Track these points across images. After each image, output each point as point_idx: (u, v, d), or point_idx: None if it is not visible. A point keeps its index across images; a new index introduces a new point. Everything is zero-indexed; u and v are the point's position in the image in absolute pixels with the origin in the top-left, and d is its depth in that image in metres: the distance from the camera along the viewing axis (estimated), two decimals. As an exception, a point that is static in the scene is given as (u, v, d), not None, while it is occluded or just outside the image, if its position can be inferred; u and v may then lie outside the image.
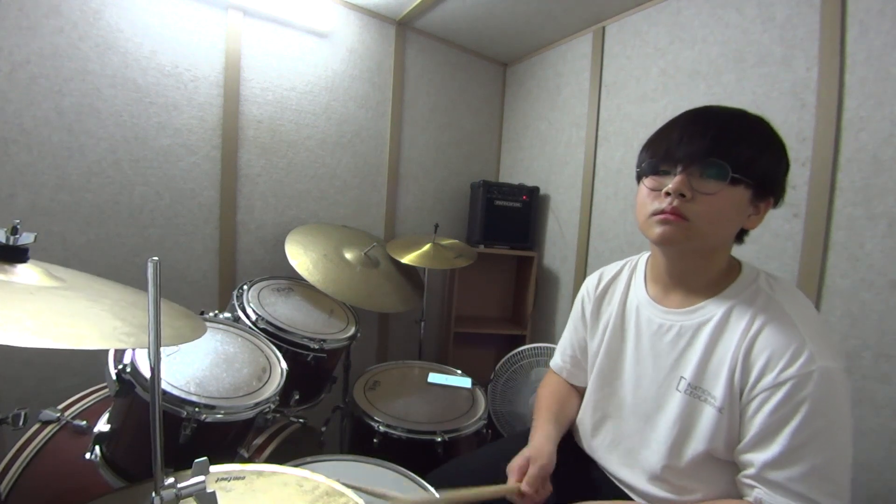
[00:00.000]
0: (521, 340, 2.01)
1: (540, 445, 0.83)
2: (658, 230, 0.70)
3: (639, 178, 0.77)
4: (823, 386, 0.59)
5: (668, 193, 0.68)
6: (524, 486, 0.77)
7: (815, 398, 0.59)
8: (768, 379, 0.62)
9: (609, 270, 0.94)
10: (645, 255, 0.90)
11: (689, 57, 1.50)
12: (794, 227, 1.22)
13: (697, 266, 0.74)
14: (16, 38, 1.24)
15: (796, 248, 1.22)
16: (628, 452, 0.81)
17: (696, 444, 0.70)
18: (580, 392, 0.98)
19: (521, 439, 0.92)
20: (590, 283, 0.96)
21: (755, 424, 0.63)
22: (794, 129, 1.22)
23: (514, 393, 1.71)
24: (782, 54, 1.26)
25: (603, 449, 0.87)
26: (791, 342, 0.62)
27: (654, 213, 0.70)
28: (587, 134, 1.87)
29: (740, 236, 0.75)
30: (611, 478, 0.84)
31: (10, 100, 1.25)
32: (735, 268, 0.75)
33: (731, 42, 1.38)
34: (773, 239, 1.26)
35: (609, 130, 1.80)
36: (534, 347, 1.71)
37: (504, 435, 1.68)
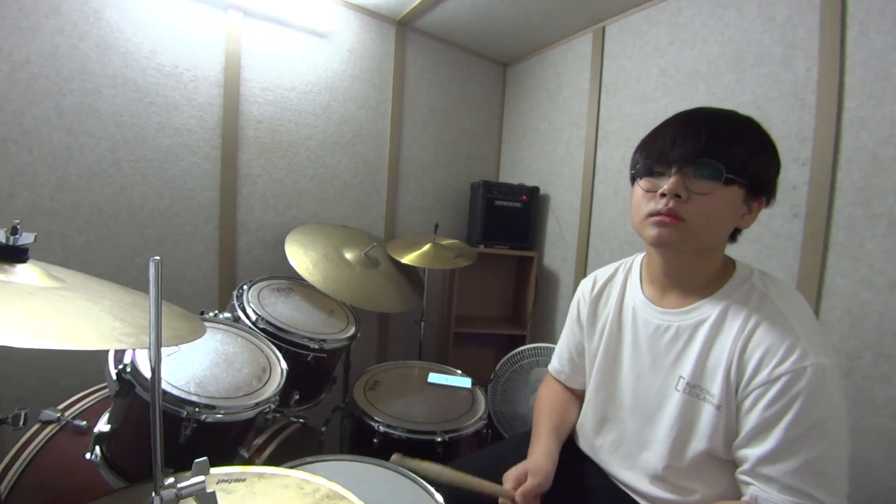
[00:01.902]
0: (521, 340, 2.01)
1: (540, 463, 0.83)
2: (654, 232, 0.70)
3: (633, 179, 0.78)
4: (816, 381, 0.60)
5: (663, 194, 0.68)
6: (518, 495, 0.77)
7: (808, 393, 0.60)
8: (762, 375, 0.63)
9: (602, 273, 0.95)
10: (639, 257, 0.90)
11: (689, 57, 1.50)
12: (794, 227, 1.22)
13: (693, 266, 0.75)
14: (16, 38, 1.24)
15: (796, 248, 1.22)
16: (629, 454, 0.81)
17: (697, 443, 0.70)
18: (579, 397, 0.98)
19: (522, 441, 0.92)
20: (584, 286, 0.97)
21: (750, 420, 0.64)
22: (794, 129, 1.22)
23: (514, 393, 1.71)
24: (782, 54, 1.26)
25: (604, 451, 0.87)
26: (785, 339, 0.63)
27: (650, 215, 0.71)
28: (587, 134, 1.87)
29: (734, 235, 0.76)
30: (612, 480, 0.84)
31: (10, 100, 1.25)
32: (729, 266, 0.76)
33: (731, 42, 1.38)
34: (773, 239, 1.26)
35: (609, 130, 1.80)
36: (534, 347, 1.71)
37: (504, 435, 1.68)
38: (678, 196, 0.67)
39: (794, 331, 0.64)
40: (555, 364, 1.04)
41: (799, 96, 1.22)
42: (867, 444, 1.07)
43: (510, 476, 0.81)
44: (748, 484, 0.64)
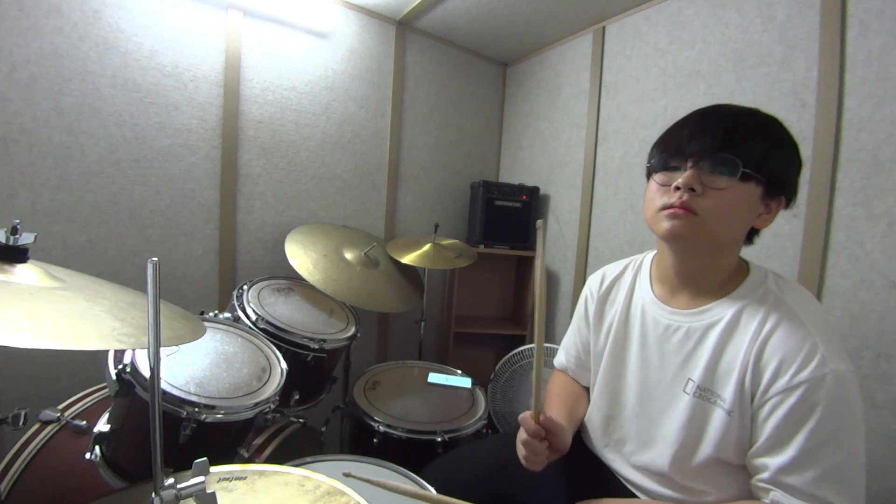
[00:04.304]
0: (521, 340, 2.01)
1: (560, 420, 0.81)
2: (667, 225, 0.69)
3: (648, 174, 0.76)
4: (836, 389, 0.59)
5: (677, 188, 0.67)
6: (542, 417, 0.75)
7: (828, 401, 0.59)
8: (781, 382, 0.62)
9: (612, 270, 0.93)
10: (650, 255, 0.88)
11: (689, 57, 1.50)
12: (794, 227, 1.22)
13: (706, 265, 0.73)
14: (16, 38, 1.24)
15: (796, 248, 1.22)
16: (635, 453, 0.80)
17: (706, 447, 0.69)
18: (588, 392, 0.98)
19: None
20: (592, 282, 0.95)
21: (768, 428, 0.63)
22: (794, 129, 1.20)
23: (514, 393, 1.71)
24: (782, 54, 1.26)
25: (611, 449, 0.86)
26: (803, 345, 0.62)
27: (663, 208, 0.69)
28: (587, 134, 1.87)
29: (751, 237, 0.74)
30: (620, 478, 0.84)
31: (10, 100, 1.25)
32: (743, 268, 0.74)
33: (731, 42, 1.38)
34: (773, 239, 1.26)
35: (609, 130, 1.80)
36: (534, 348, 1.70)
37: (504, 435, 1.68)
38: (693, 190, 0.66)
39: (812, 336, 0.62)
40: (560, 359, 1.03)
41: (799, 96, 1.22)
42: (867, 444, 1.06)
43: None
44: (768, 490, 0.63)
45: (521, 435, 0.76)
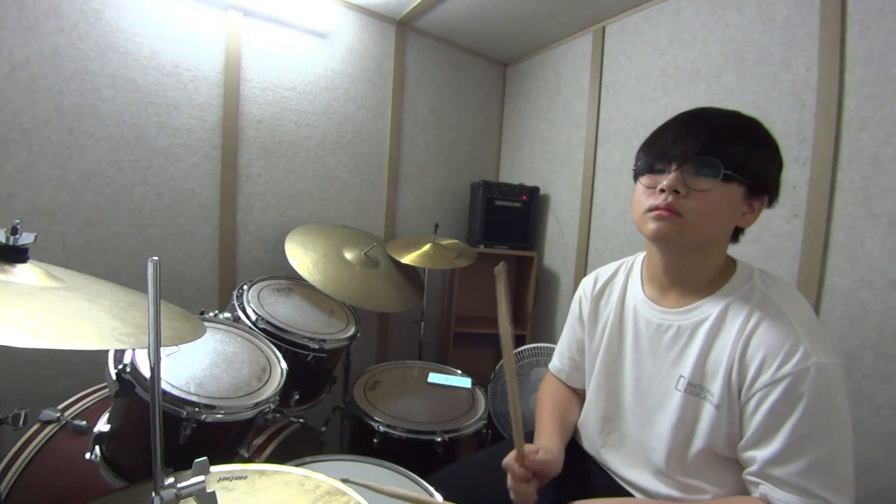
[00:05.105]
0: (521, 340, 2.01)
1: (550, 446, 0.81)
2: (653, 226, 0.71)
3: (635, 177, 0.79)
4: (820, 382, 0.60)
5: (662, 190, 0.69)
6: (527, 460, 0.74)
7: (812, 394, 0.60)
8: (765, 376, 0.63)
9: (604, 272, 0.95)
10: (640, 256, 0.90)
11: (689, 57, 1.50)
12: (794, 227, 1.22)
13: (693, 264, 0.75)
14: (16, 38, 1.24)
15: (796, 248, 1.22)
16: (632, 452, 0.81)
17: (698, 441, 0.71)
18: (580, 395, 0.98)
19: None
20: (586, 284, 0.97)
21: (755, 422, 0.64)
22: (794, 129, 1.22)
23: (514, 393, 1.71)
24: (782, 54, 1.26)
25: (607, 449, 0.87)
26: (786, 339, 0.63)
27: (649, 210, 0.71)
28: (587, 134, 1.87)
29: (736, 235, 0.76)
30: (614, 477, 0.84)
31: (10, 100, 1.25)
32: (730, 266, 0.76)
33: (731, 42, 1.38)
34: (773, 239, 1.26)
35: (609, 130, 1.80)
36: (534, 347, 1.71)
37: (505, 435, 1.68)
38: (677, 192, 0.68)
39: (796, 331, 0.63)
40: (555, 362, 1.04)
41: (799, 96, 1.22)
42: (867, 444, 1.07)
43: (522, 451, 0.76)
44: (757, 484, 0.64)
45: (509, 480, 0.76)
